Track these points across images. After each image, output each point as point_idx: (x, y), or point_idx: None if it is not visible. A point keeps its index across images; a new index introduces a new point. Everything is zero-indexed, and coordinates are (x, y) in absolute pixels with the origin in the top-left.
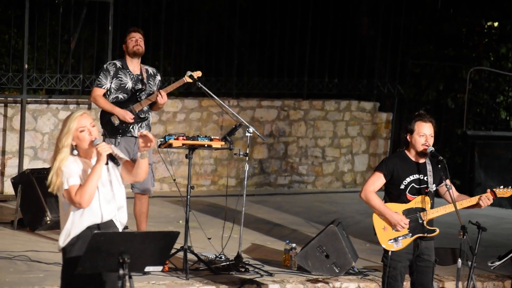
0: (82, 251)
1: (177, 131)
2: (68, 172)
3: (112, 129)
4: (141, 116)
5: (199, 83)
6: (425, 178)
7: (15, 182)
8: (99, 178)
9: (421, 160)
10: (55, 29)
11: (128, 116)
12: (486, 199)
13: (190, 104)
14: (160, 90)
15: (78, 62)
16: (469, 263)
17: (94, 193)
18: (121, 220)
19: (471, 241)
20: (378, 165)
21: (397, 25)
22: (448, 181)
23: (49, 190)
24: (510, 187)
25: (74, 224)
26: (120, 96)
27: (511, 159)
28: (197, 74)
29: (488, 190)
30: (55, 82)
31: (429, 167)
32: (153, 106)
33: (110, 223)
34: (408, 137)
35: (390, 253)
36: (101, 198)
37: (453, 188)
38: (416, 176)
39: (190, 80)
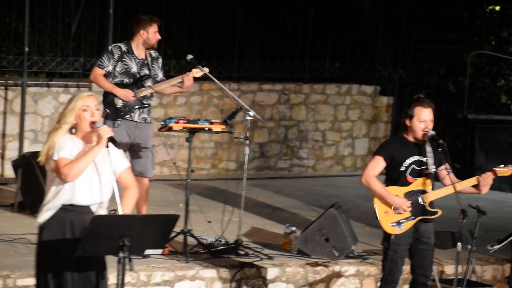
0: (54, 234)
1: (177, 114)
2: (61, 146)
3: (114, 110)
4: (143, 102)
5: (199, 66)
6: (425, 159)
7: (16, 165)
8: (93, 159)
9: (421, 142)
10: (56, 12)
11: (130, 95)
12: (487, 178)
13: (191, 87)
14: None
15: (79, 45)
16: (469, 246)
17: (83, 170)
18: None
19: (471, 225)
20: (377, 149)
21: (400, 9)
22: (447, 165)
23: (38, 159)
24: (510, 165)
25: (52, 198)
26: (126, 80)
27: (511, 143)
28: (205, 70)
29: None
30: (55, 65)
31: (429, 149)
32: (172, 88)
33: (87, 209)
34: (407, 122)
35: (393, 236)
36: (83, 181)
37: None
38: (416, 158)
39: (200, 72)
